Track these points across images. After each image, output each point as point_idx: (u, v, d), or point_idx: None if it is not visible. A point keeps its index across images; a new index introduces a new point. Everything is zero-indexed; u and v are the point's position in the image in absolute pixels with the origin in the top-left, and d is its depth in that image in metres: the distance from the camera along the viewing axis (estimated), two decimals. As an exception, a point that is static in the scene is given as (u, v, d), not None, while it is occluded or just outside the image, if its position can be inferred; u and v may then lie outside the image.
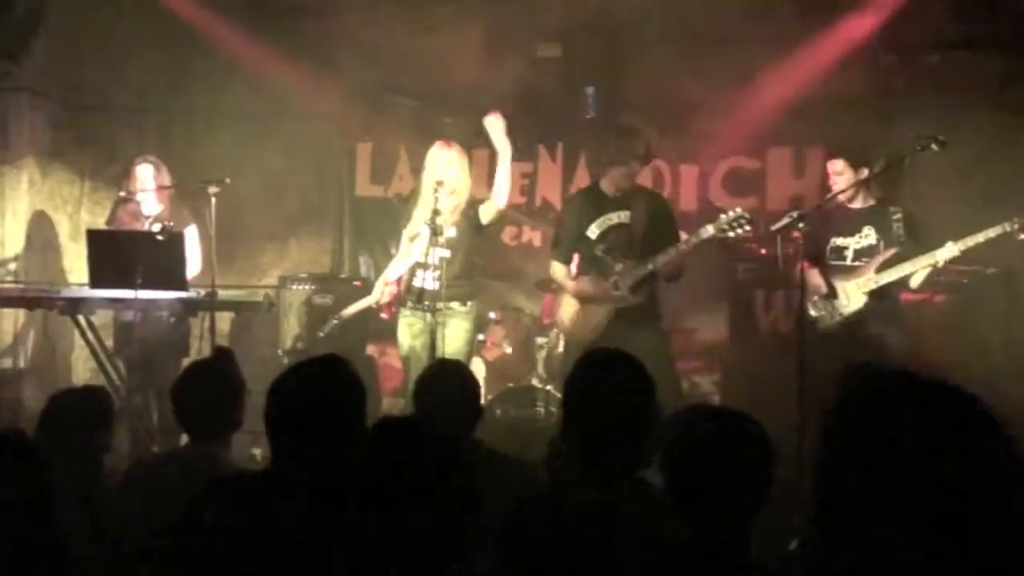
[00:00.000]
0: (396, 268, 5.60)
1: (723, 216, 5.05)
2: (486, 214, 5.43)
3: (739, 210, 5.03)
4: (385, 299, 5.55)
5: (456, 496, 1.89)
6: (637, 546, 2.15)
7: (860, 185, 5.20)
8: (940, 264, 5.01)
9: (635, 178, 5.39)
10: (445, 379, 3.39)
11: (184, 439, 3.39)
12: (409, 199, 5.75)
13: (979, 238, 4.93)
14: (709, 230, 5.05)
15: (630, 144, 5.31)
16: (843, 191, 5.18)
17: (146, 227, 5.84)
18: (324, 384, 2.48)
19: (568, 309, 5.46)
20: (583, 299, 5.35)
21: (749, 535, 2.07)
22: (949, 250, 4.96)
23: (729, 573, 2.06)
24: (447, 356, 5.26)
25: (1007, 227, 4.88)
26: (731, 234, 5.06)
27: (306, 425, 2.42)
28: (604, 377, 2.59)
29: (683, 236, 5.23)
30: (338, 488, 2.24)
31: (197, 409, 3.23)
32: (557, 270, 5.50)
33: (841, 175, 5.23)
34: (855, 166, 5.21)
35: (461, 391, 3.32)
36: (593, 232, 5.33)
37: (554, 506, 2.37)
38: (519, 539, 2.27)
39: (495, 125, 5.45)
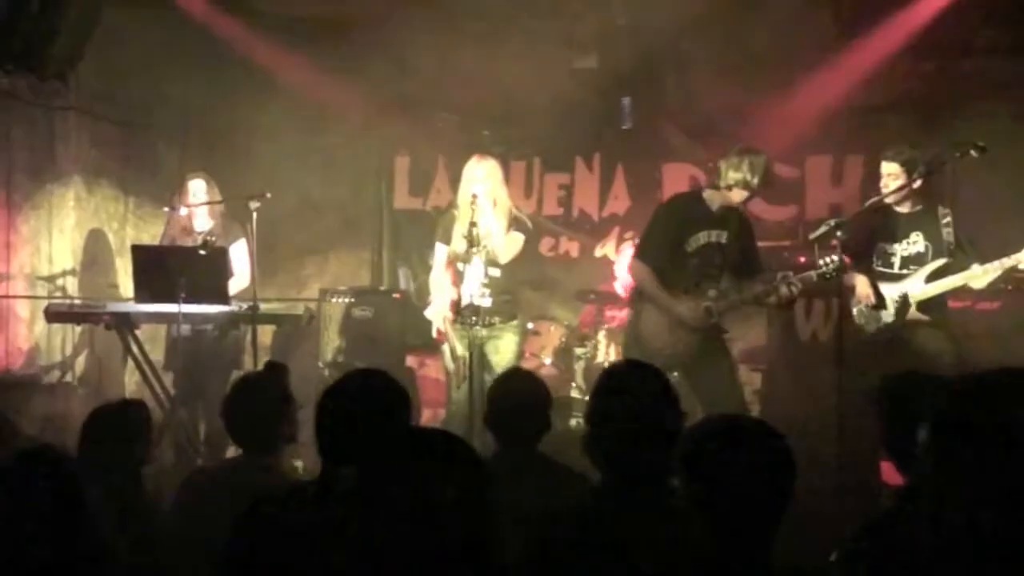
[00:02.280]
0: (443, 291, 5.50)
1: (823, 263, 4.82)
2: (504, 255, 5.33)
3: (836, 258, 4.79)
4: (444, 327, 5.49)
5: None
6: (661, 554, 2.16)
7: (909, 191, 5.09)
8: (1022, 266, 4.89)
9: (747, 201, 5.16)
10: (520, 387, 3.46)
11: (230, 452, 3.45)
12: (445, 212, 5.79)
13: None
14: (812, 277, 4.87)
15: (760, 167, 5.02)
16: (885, 196, 5.11)
17: (198, 243, 5.94)
18: (377, 394, 2.51)
19: (653, 321, 5.14)
20: (672, 317, 5.06)
21: (769, 546, 2.06)
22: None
23: None
24: (499, 369, 5.31)
25: None
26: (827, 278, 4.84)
27: (358, 435, 2.43)
28: (629, 388, 2.61)
29: (784, 277, 5.02)
30: (388, 499, 2.26)
31: (248, 423, 3.29)
32: (644, 273, 5.14)
33: (897, 179, 5.10)
34: (910, 173, 5.07)
35: (535, 400, 3.38)
36: (690, 246, 5.08)
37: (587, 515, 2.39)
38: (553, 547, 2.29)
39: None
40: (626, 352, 5.48)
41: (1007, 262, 4.91)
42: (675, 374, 4.72)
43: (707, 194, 5.17)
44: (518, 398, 3.40)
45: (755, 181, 4.98)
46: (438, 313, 5.47)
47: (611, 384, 2.71)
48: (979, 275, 4.98)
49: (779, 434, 2.12)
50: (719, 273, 5.10)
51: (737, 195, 5.03)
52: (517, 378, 3.68)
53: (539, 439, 3.37)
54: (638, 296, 5.30)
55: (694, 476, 2.09)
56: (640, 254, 5.24)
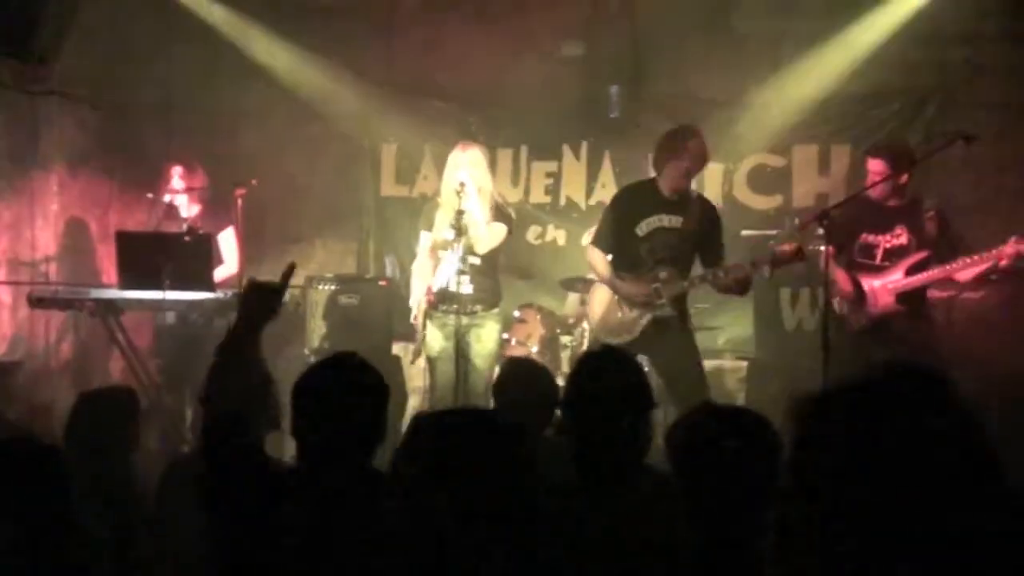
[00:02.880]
0: (426, 278, 5.53)
1: (776, 253, 4.86)
2: (484, 244, 5.34)
3: (794, 246, 4.81)
4: (422, 316, 5.52)
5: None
6: (648, 542, 2.16)
7: (895, 184, 5.09)
8: (1004, 264, 4.86)
9: (690, 179, 5.20)
10: (528, 377, 3.46)
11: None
12: (431, 200, 5.79)
13: None
14: (765, 273, 4.89)
15: (684, 138, 5.12)
16: (869, 187, 5.10)
17: (183, 229, 5.91)
18: (347, 381, 2.50)
19: (602, 303, 5.33)
20: (620, 297, 5.22)
21: (762, 534, 2.07)
22: (1014, 246, 4.83)
23: (739, 573, 2.06)
24: (480, 358, 5.38)
25: None
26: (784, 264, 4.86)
27: (330, 422, 2.43)
28: (601, 373, 2.62)
29: (731, 266, 5.00)
30: (361, 485, 2.27)
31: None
32: (597, 259, 5.28)
33: (882, 175, 5.08)
34: (896, 169, 5.05)
35: (542, 389, 3.39)
36: (641, 230, 5.15)
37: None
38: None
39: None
40: (593, 336, 5.59)
41: (988, 257, 4.91)
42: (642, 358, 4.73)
43: (661, 180, 5.20)
44: (525, 391, 3.39)
45: (676, 148, 5.05)
46: (416, 301, 5.54)
47: (582, 370, 2.72)
48: (959, 269, 4.99)
49: (768, 422, 2.13)
50: (676, 257, 5.12)
51: (673, 169, 5.07)
52: (520, 368, 3.66)
53: (543, 430, 3.36)
54: (597, 284, 5.42)
55: (686, 466, 2.10)
56: (594, 240, 5.36)
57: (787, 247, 4.83)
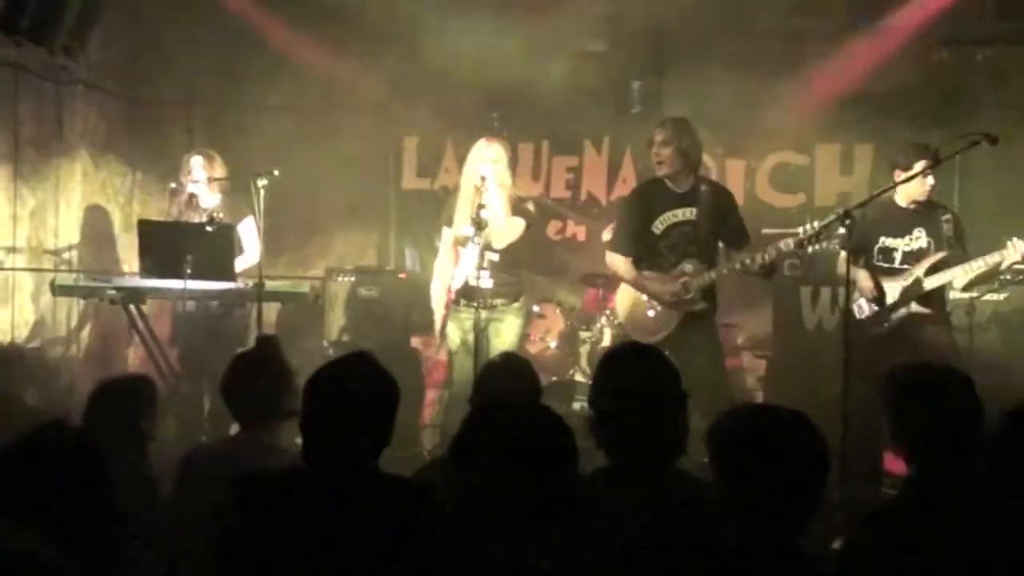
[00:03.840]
0: (447, 277, 5.52)
1: (802, 229, 4.76)
2: (502, 239, 5.34)
3: (816, 224, 4.71)
4: (441, 320, 5.51)
5: None
6: (682, 542, 2.16)
7: (921, 185, 5.03)
8: (1008, 264, 4.86)
9: (682, 167, 5.08)
10: (511, 372, 3.47)
11: (234, 429, 3.45)
12: (452, 195, 5.78)
13: None
14: (789, 243, 4.77)
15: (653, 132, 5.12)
16: (890, 188, 5.06)
17: (204, 219, 5.94)
18: (356, 382, 2.47)
19: (629, 304, 5.27)
20: (650, 297, 5.14)
21: (802, 535, 2.06)
22: (1016, 248, 4.81)
23: (783, 573, 2.05)
24: (498, 352, 5.33)
25: None
26: (810, 248, 4.75)
27: (337, 422, 2.42)
28: (631, 369, 2.62)
29: (759, 253, 4.89)
30: (365, 486, 2.28)
31: (244, 398, 3.29)
32: (619, 263, 5.22)
33: (928, 176, 5.01)
34: (932, 168, 4.98)
35: (525, 384, 3.39)
36: (657, 228, 5.10)
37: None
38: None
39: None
40: (622, 336, 5.54)
41: (990, 259, 4.88)
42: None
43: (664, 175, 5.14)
44: (508, 386, 3.39)
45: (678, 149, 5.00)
46: (437, 304, 5.52)
47: (613, 366, 2.71)
48: (967, 272, 4.96)
49: (813, 424, 2.12)
50: (696, 248, 5.07)
51: (670, 160, 5.02)
52: (504, 364, 3.67)
53: None
54: (621, 285, 5.37)
55: (728, 467, 2.09)
56: (613, 246, 5.33)
57: (810, 227, 4.72)
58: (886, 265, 5.17)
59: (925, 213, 5.15)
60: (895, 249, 5.16)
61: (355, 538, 2.28)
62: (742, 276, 5.14)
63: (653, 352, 2.78)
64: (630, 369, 2.65)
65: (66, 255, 6.73)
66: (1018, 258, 4.84)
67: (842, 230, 4.61)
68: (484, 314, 5.24)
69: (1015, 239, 4.85)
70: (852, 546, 2.36)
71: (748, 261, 4.92)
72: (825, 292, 6.32)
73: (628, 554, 2.13)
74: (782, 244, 4.80)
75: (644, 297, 5.18)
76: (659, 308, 5.12)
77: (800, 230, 4.74)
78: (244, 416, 3.31)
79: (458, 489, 2.09)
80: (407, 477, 2.71)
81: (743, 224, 5.16)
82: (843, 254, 4.84)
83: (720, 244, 5.17)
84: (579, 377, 6.28)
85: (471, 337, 5.36)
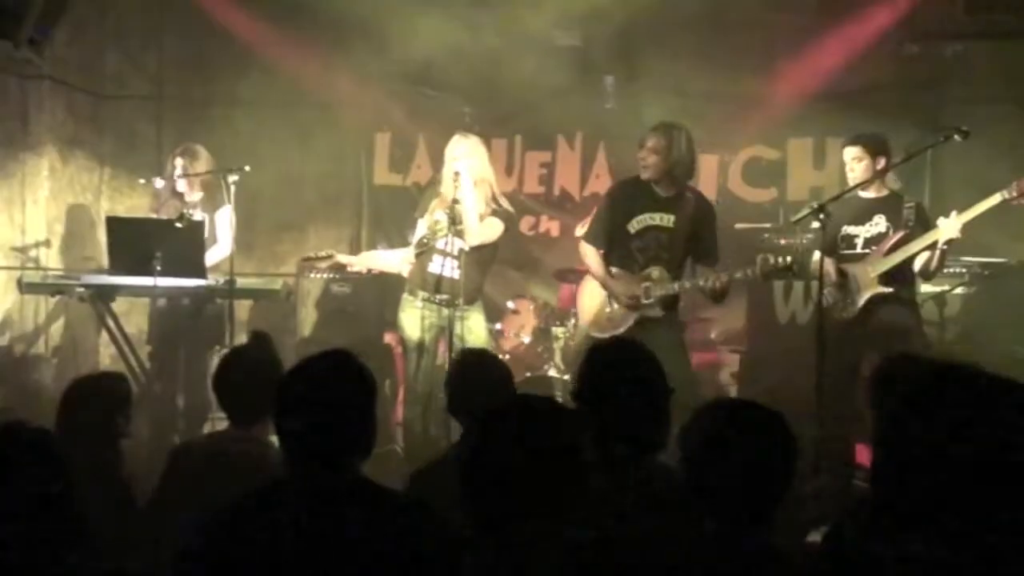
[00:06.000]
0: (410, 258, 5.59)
1: (769, 260, 4.75)
2: (477, 237, 5.32)
3: (787, 259, 4.72)
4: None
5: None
6: (655, 536, 2.16)
7: (877, 175, 5.13)
8: (944, 240, 4.87)
9: (666, 174, 5.00)
10: (483, 368, 3.46)
11: (207, 427, 3.42)
12: (427, 189, 5.76)
13: (980, 209, 4.81)
14: (748, 273, 4.80)
15: (646, 136, 5.06)
16: (865, 182, 5.10)
17: (189, 212, 5.89)
18: (333, 381, 2.34)
19: (593, 299, 5.29)
20: (609, 295, 5.16)
21: (770, 528, 2.07)
22: (952, 223, 4.85)
23: (752, 566, 2.06)
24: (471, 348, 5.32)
25: (1005, 194, 4.78)
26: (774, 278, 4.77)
27: (314, 423, 2.27)
28: (617, 363, 2.62)
29: (718, 276, 4.88)
30: (349, 492, 2.22)
31: (236, 395, 3.26)
32: (590, 255, 5.20)
33: (860, 161, 5.11)
34: (873, 154, 5.11)
35: (497, 379, 3.41)
36: (633, 227, 5.08)
37: None
38: None
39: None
40: (582, 331, 5.55)
41: (928, 236, 4.92)
42: None
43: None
44: (478, 378, 3.40)
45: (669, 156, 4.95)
46: (404, 259, 5.62)
47: (598, 359, 2.71)
48: (919, 248, 4.99)
49: (780, 415, 2.13)
50: (668, 256, 5.05)
51: (655, 168, 4.98)
52: (473, 359, 3.67)
53: None
54: (587, 277, 5.39)
55: (697, 463, 2.09)
56: (586, 236, 5.33)
57: (781, 260, 4.76)
58: (849, 252, 5.21)
59: (886, 201, 5.21)
60: (856, 236, 5.21)
61: (348, 563, 2.18)
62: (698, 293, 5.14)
63: (637, 346, 2.78)
64: (614, 363, 2.65)
65: (33, 252, 6.65)
66: (954, 234, 4.86)
67: (816, 224, 4.65)
68: (445, 312, 5.26)
69: (941, 218, 4.89)
70: (836, 536, 2.36)
71: (704, 282, 4.92)
72: (798, 286, 6.34)
73: (608, 547, 2.12)
74: (739, 274, 4.82)
75: (605, 296, 5.20)
76: (616, 306, 5.13)
77: (769, 259, 4.75)
78: (236, 412, 3.28)
79: (473, 514, 2.05)
80: (400, 493, 2.52)
81: (716, 243, 5.13)
82: (817, 253, 4.88)
83: (688, 258, 5.15)
84: (553, 372, 6.27)
85: (430, 335, 5.35)
